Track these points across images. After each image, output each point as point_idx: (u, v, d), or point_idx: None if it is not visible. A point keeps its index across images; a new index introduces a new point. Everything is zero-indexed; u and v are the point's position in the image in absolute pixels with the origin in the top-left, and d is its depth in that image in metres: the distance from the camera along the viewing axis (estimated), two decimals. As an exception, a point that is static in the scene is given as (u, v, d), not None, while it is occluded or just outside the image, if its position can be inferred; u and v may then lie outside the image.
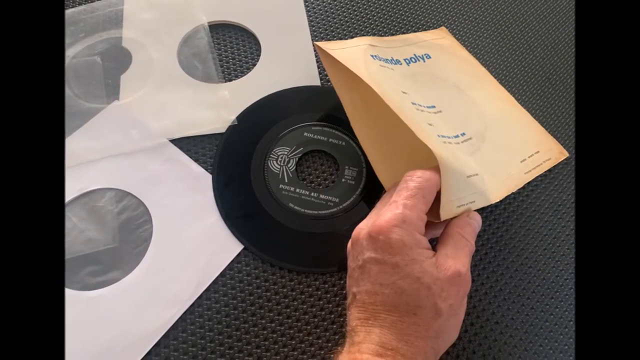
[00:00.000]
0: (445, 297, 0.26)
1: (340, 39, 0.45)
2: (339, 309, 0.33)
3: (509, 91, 0.43)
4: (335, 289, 0.34)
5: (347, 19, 0.46)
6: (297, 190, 0.37)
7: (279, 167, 0.38)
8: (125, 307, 0.33)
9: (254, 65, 0.43)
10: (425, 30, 0.46)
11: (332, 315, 0.33)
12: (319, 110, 0.40)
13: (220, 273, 0.34)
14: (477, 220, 0.31)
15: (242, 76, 0.42)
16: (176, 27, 0.44)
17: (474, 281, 0.35)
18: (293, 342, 0.32)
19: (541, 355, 0.33)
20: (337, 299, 0.34)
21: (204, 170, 0.38)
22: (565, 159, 0.40)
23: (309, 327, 0.33)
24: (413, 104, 0.34)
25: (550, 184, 0.39)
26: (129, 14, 0.44)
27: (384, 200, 0.30)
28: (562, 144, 0.40)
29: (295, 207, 0.36)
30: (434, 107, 0.36)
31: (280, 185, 0.37)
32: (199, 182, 0.37)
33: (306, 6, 0.46)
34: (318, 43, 0.35)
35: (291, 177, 0.37)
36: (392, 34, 0.45)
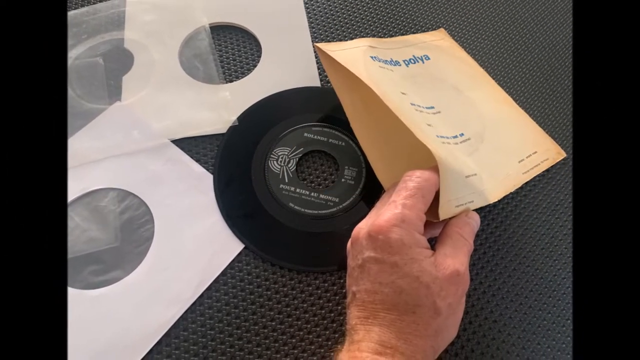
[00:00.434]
0: (444, 296, 0.26)
1: (340, 40, 0.45)
2: (339, 307, 0.34)
3: (507, 92, 0.43)
4: (335, 288, 0.34)
5: (346, 21, 0.46)
6: (297, 190, 0.37)
7: (279, 167, 0.38)
8: (127, 305, 0.33)
9: (255, 66, 0.43)
10: (424, 31, 0.46)
11: (332, 314, 0.34)
12: (319, 111, 0.41)
13: (221, 272, 0.34)
14: (475, 220, 0.31)
15: (242, 77, 0.43)
16: (177, 28, 0.44)
17: (472, 280, 0.35)
18: (293, 340, 0.33)
19: (539, 353, 0.33)
20: (337, 297, 0.34)
21: (205, 170, 0.38)
22: (563, 159, 0.40)
23: (309, 326, 0.33)
24: (412, 104, 0.34)
25: (548, 184, 0.39)
26: (131, 15, 0.44)
27: (384, 200, 0.31)
28: (559, 145, 0.41)
29: (296, 207, 0.37)
30: (432, 107, 0.36)
31: (281, 185, 0.37)
32: (200, 182, 0.37)
33: (306, 8, 0.47)
34: (318, 44, 0.35)
35: (291, 177, 0.38)
36: (392, 36, 0.46)
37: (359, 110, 0.37)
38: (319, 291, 0.34)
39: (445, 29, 0.46)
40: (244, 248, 0.35)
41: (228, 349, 0.32)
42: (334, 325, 0.33)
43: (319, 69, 0.43)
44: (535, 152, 0.39)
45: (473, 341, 0.33)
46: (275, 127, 0.40)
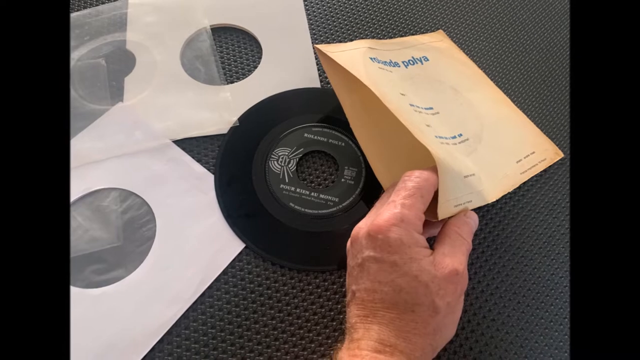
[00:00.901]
0: (443, 295, 0.27)
1: (340, 41, 0.46)
2: (339, 306, 0.34)
3: (505, 93, 0.43)
4: (334, 286, 0.35)
5: (346, 22, 0.47)
6: (298, 190, 0.38)
7: (279, 167, 0.38)
8: (129, 304, 0.33)
9: (256, 67, 0.43)
10: (423, 33, 0.46)
11: (332, 313, 0.34)
12: (319, 112, 0.41)
13: (222, 271, 0.35)
14: (474, 220, 0.31)
15: (243, 78, 0.43)
16: (179, 30, 0.44)
17: (471, 279, 0.35)
18: (293, 338, 0.33)
19: (537, 352, 0.33)
20: (337, 296, 0.34)
21: (206, 170, 0.38)
22: (560, 160, 0.40)
23: (309, 324, 0.33)
24: (411, 105, 0.35)
25: (546, 184, 0.40)
26: (133, 17, 0.45)
27: (383, 199, 0.31)
28: (557, 145, 0.41)
29: (296, 207, 0.37)
30: (431, 108, 0.36)
31: (281, 185, 0.38)
32: (201, 182, 0.38)
33: (306, 10, 0.47)
34: (318, 46, 0.36)
35: (292, 177, 0.38)
36: (391, 37, 0.46)
37: (359, 111, 0.37)
38: (319, 290, 0.35)
39: (444, 30, 0.47)
40: (245, 247, 0.36)
41: (229, 347, 0.32)
42: (334, 323, 0.34)
43: (319, 70, 0.43)
44: (533, 153, 0.39)
45: (471, 339, 0.34)
46: (276, 128, 0.40)
